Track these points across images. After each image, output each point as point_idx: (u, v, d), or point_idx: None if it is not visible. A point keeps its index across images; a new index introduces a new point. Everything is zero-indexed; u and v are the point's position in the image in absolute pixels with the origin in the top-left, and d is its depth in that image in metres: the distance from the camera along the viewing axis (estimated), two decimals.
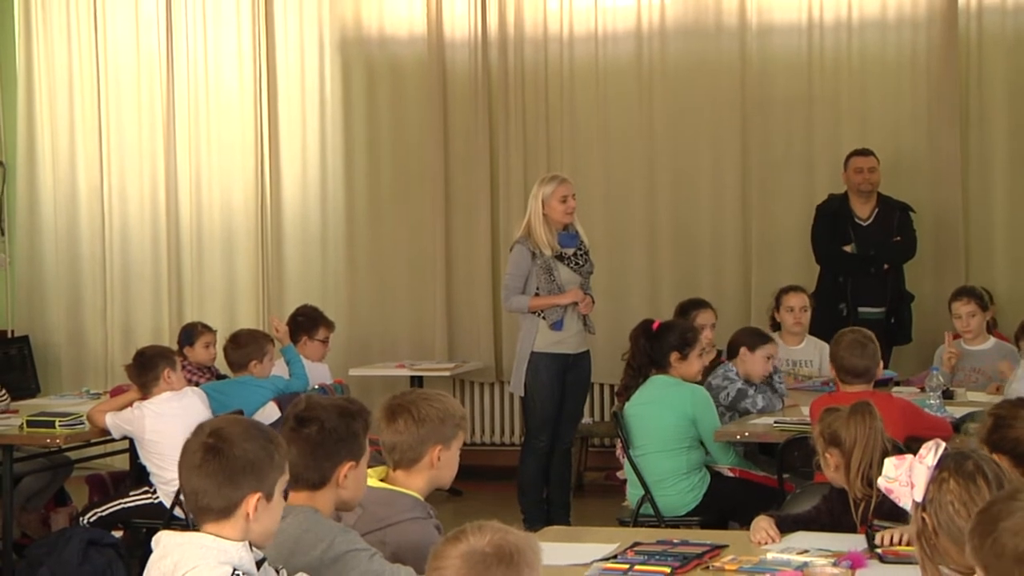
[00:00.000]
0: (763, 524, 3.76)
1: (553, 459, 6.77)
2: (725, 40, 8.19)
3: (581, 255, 6.73)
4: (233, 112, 8.89)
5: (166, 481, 5.69)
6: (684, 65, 8.26)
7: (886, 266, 7.44)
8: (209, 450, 2.69)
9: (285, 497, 2.82)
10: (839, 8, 8.04)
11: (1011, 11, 7.80)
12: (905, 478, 2.53)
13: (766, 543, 3.69)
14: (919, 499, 2.49)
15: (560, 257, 6.66)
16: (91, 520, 5.80)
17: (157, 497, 5.75)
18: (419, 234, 8.64)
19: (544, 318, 6.63)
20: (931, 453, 2.52)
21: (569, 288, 6.64)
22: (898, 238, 7.47)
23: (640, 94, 8.32)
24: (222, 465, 2.67)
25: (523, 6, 8.47)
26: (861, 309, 7.34)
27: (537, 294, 6.62)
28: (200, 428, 2.76)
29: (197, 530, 2.71)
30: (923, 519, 2.48)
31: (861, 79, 8.02)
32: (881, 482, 2.56)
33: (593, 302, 6.75)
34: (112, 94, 9.03)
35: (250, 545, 2.70)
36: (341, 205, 8.80)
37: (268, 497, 2.71)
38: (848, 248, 7.44)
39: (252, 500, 2.68)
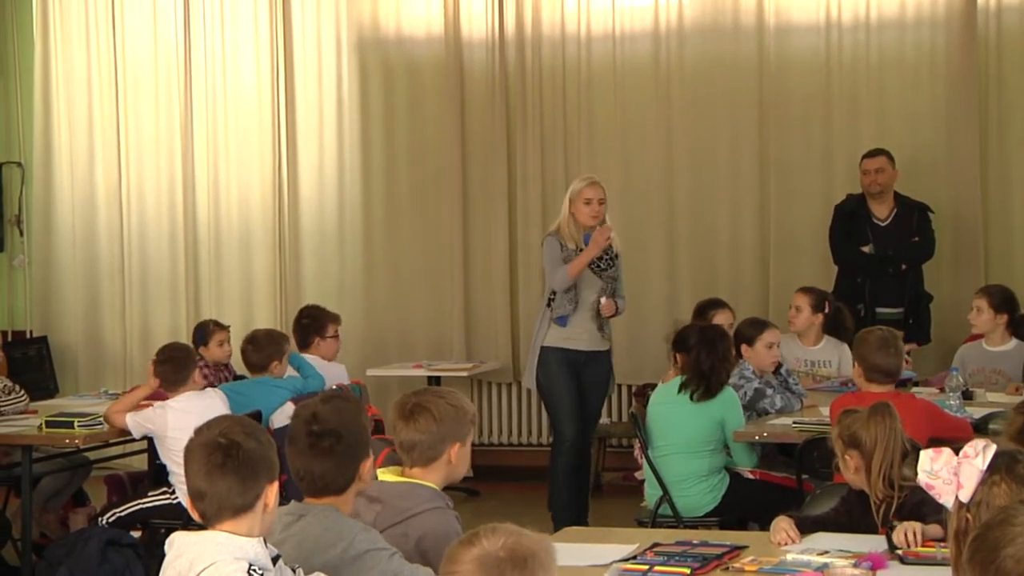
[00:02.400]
0: (783, 525, 3.74)
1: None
2: (743, 40, 8.17)
3: (606, 260, 6.64)
4: (251, 112, 8.90)
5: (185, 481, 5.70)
6: (702, 65, 8.25)
7: (904, 266, 7.41)
8: (225, 450, 2.72)
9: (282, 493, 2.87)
10: (857, 7, 8.02)
11: None
12: (949, 475, 2.48)
13: (786, 544, 3.67)
14: (965, 500, 2.45)
15: None
16: (110, 520, 5.81)
17: (176, 497, 5.75)
18: (436, 234, 8.64)
19: (552, 310, 6.58)
20: (980, 455, 2.48)
21: (584, 291, 6.56)
22: (916, 239, 7.45)
23: (658, 94, 8.31)
24: (242, 462, 2.72)
25: (540, 6, 8.47)
26: (879, 309, 7.31)
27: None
28: (201, 431, 2.80)
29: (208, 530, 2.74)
30: (966, 519, 2.45)
31: (879, 78, 8.00)
32: (921, 477, 2.52)
33: (618, 311, 6.66)
34: (130, 94, 9.05)
35: (264, 541, 2.72)
36: (358, 205, 8.80)
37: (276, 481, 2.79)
38: (866, 248, 7.42)
39: (271, 491, 2.75)
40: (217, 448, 2.72)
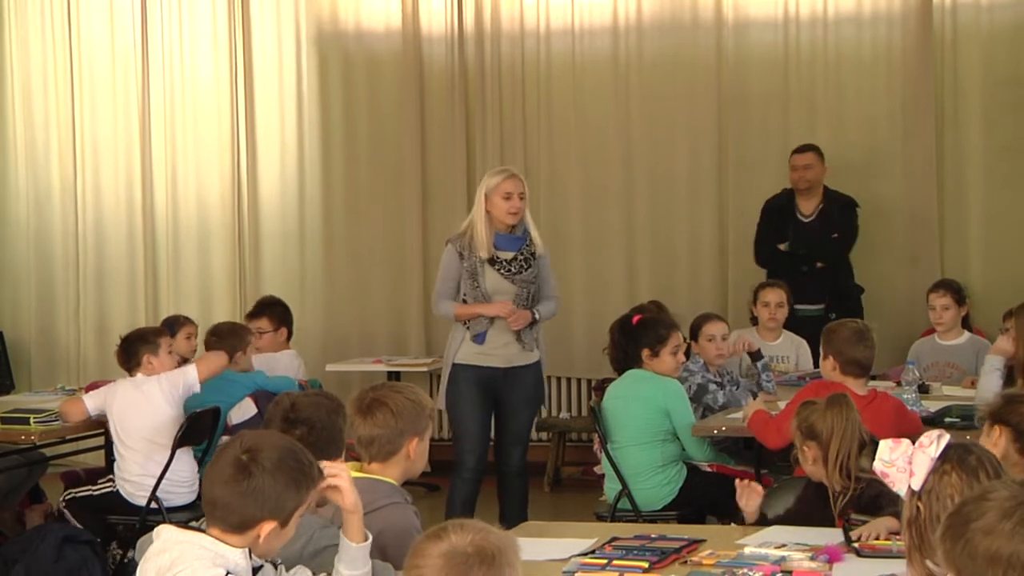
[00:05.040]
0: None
1: (504, 485, 6.06)
2: (701, 35, 8.19)
3: (521, 260, 5.94)
4: (209, 106, 8.86)
5: (122, 469, 5.70)
6: (660, 60, 8.27)
7: (820, 264, 7.40)
8: (241, 468, 2.68)
9: None
10: (814, 3, 8.06)
11: (985, 7, 7.83)
12: (903, 463, 2.52)
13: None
14: (917, 487, 2.48)
15: (493, 261, 5.92)
16: (66, 499, 5.83)
17: (114, 486, 5.73)
18: (396, 229, 8.62)
19: (467, 326, 5.93)
20: (934, 444, 2.51)
21: (496, 298, 5.89)
22: (836, 235, 7.45)
23: (617, 89, 8.32)
24: (249, 487, 2.68)
25: (499, 1, 8.46)
26: (798, 307, 7.22)
27: (464, 301, 5.94)
28: (238, 438, 2.76)
29: (202, 530, 2.73)
30: (917, 507, 2.48)
31: (836, 74, 8.04)
32: (877, 465, 2.55)
33: (537, 319, 5.99)
34: (86, 88, 8.98)
35: (249, 552, 2.71)
36: (318, 200, 8.78)
37: (283, 524, 2.73)
38: (782, 246, 7.44)
39: (267, 526, 2.70)
40: (234, 462, 2.69)
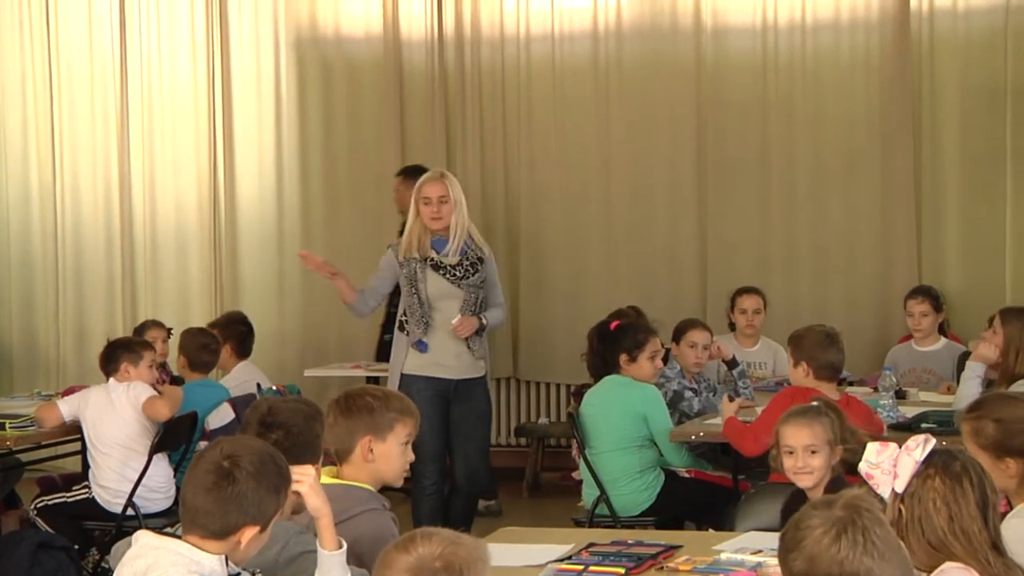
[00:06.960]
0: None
1: (455, 501, 5.91)
2: (681, 41, 8.21)
3: (467, 265, 5.76)
4: (187, 111, 8.83)
5: (97, 476, 5.68)
6: (640, 66, 8.28)
7: None
8: (224, 475, 2.68)
9: None
10: (793, 10, 8.09)
11: (962, 14, 7.87)
12: (888, 466, 2.54)
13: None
14: (900, 490, 2.51)
15: (437, 266, 5.77)
16: (37, 506, 5.80)
17: (90, 492, 5.71)
18: (375, 234, 8.59)
19: (407, 334, 5.76)
20: (920, 447, 2.53)
21: (440, 303, 5.70)
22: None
23: (597, 95, 8.33)
24: (233, 493, 2.67)
25: (479, 6, 8.47)
26: None
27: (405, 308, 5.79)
28: (216, 445, 2.75)
29: (179, 536, 2.73)
30: (899, 510, 2.50)
31: (815, 81, 8.07)
32: (862, 467, 2.57)
33: (484, 325, 5.84)
34: (65, 92, 8.94)
35: (226, 559, 2.71)
36: (296, 205, 8.76)
37: (263, 529, 2.73)
38: None
39: (249, 532, 2.70)
40: (216, 468, 2.68)
